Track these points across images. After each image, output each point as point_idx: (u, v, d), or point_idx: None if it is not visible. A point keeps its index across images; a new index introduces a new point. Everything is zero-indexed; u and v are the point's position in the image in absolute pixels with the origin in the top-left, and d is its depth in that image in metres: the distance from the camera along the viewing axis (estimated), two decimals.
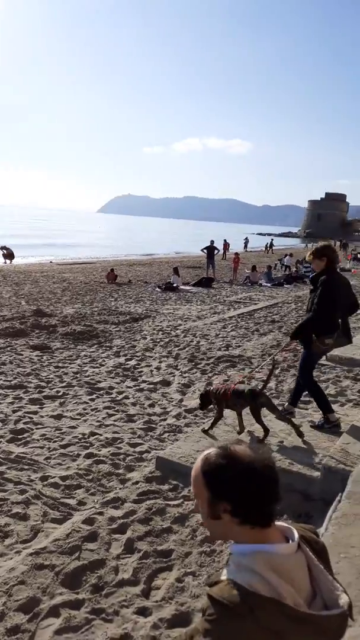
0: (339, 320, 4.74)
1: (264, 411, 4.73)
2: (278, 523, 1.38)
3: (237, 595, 1.21)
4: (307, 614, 1.21)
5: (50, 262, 30.13)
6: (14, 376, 7.10)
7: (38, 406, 6.00)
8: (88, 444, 5.00)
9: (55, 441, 5.04)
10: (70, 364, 7.95)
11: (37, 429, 5.33)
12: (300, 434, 4.69)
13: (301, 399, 5.55)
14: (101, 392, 6.62)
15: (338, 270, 4.92)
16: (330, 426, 4.96)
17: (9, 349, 8.66)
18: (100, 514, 3.70)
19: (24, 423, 5.44)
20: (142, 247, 51.88)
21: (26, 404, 6.06)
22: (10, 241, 33.92)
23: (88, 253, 40.38)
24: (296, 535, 1.34)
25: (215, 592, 1.25)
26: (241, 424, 4.92)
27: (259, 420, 4.66)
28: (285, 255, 31.27)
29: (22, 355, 8.31)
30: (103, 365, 7.90)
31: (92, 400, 6.31)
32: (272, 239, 56.77)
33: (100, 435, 5.23)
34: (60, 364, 7.88)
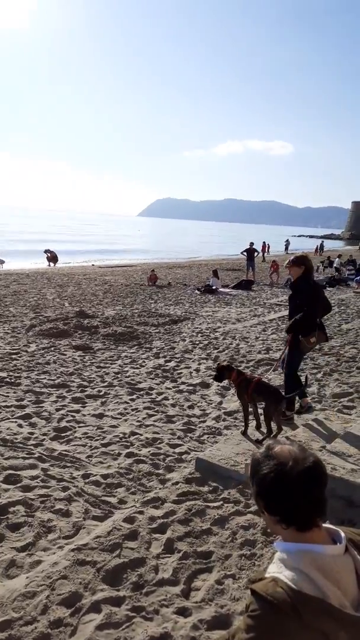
0: (317, 320, 5.36)
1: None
2: (326, 525, 1.35)
3: (282, 592, 1.20)
4: (353, 616, 1.18)
5: (92, 264, 30.70)
6: (58, 375, 7.27)
7: (80, 405, 6.12)
8: (128, 444, 5.05)
9: (96, 440, 5.12)
10: (111, 364, 8.06)
11: (79, 427, 5.43)
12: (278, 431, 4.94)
13: (345, 404, 5.46)
14: (141, 392, 6.68)
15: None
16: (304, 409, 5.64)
17: (52, 349, 8.87)
18: (141, 513, 3.73)
19: (67, 421, 5.56)
20: (182, 250, 52.11)
21: (69, 402, 6.19)
22: (53, 245, 34.83)
23: (128, 256, 40.91)
24: (344, 537, 1.31)
25: (259, 588, 1.24)
26: (258, 419, 5.10)
27: (269, 419, 4.85)
28: (335, 257, 30.63)
29: (65, 355, 8.50)
30: (143, 366, 7.97)
31: (133, 400, 6.37)
32: (322, 242, 55.74)
33: (141, 435, 5.27)
34: (101, 364, 8.00)
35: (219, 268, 23.62)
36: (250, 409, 5.14)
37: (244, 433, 5.01)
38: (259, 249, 30.60)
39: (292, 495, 1.28)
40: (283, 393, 5.11)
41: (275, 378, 7.10)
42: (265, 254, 36.47)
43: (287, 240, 52.57)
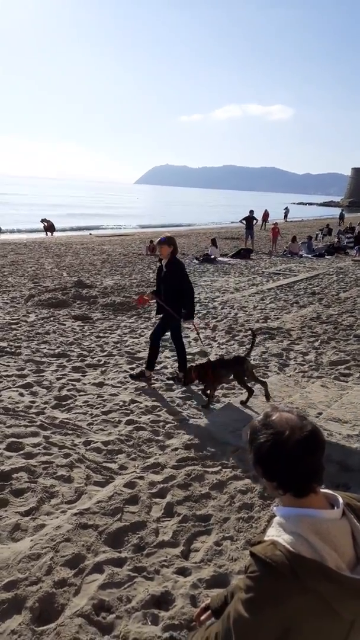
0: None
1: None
2: (323, 490, 1.39)
3: (281, 555, 1.24)
4: (349, 578, 1.23)
5: (90, 234, 30.42)
6: (58, 345, 7.31)
7: (80, 374, 6.17)
8: (128, 411, 5.12)
9: (97, 408, 5.19)
10: (110, 334, 8.09)
11: (79, 395, 5.49)
12: (267, 396, 5.29)
13: (342, 371, 5.52)
14: (141, 361, 6.72)
15: None
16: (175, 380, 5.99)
17: (52, 319, 8.89)
18: (141, 478, 3.82)
19: (68, 390, 5.62)
20: (180, 218, 51.54)
21: (69, 372, 6.25)
22: (50, 214, 34.38)
23: (126, 224, 40.48)
24: (341, 502, 1.35)
25: (258, 551, 1.29)
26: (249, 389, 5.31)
27: (244, 383, 5.24)
28: (343, 225, 30.20)
29: (64, 325, 8.53)
30: (142, 336, 8.00)
31: (132, 369, 6.43)
32: (342, 211, 54.14)
33: (140, 403, 5.34)
34: (101, 334, 8.04)
35: (217, 237, 23.41)
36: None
37: (207, 407, 5.26)
38: (260, 216, 30.26)
39: (289, 463, 1.31)
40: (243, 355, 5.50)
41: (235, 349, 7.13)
42: (267, 222, 36.05)
43: (287, 208, 51.93)
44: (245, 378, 5.27)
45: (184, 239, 27.49)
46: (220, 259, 18.69)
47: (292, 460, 1.31)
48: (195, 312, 9.71)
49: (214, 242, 19.23)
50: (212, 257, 18.26)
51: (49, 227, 28.95)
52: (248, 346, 6.47)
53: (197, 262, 17.85)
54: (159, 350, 6.14)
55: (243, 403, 5.22)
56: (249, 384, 5.31)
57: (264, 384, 5.38)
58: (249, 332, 6.04)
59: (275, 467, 1.34)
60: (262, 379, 5.58)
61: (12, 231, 29.71)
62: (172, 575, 2.84)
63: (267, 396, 5.29)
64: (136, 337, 7.92)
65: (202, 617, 1.80)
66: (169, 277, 5.72)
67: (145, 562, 2.93)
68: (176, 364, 6.66)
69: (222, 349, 7.44)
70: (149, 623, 2.49)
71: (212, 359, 5.49)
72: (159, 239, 5.82)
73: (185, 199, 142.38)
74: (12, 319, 8.71)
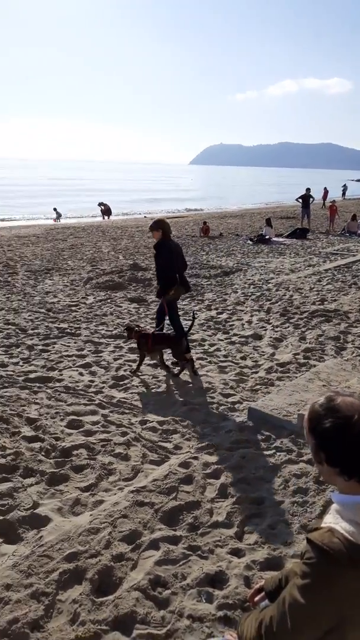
0: (177, 275, 5.86)
1: None
2: None
3: (338, 543, 1.23)
4: None
5: (145, 216, 30.61)
6: (114, 327, 7.49)
7: (136, 355, 6.29)
8: (183, 392, 5.18)
9: (152, 388, 5.29)
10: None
11: (135, 376, 5.61)
12: (175, 374, 5.68)
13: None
14: (194, 343, 6.76)
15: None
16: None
17: (109, 301, 9.10)
18: (195, 458, 3.88)
19: (124, 370, 5.76)
20: (234, 199, 50.81)
21: (126, 352, 6.39)
22: (106, 197, 34.89)
23: (180, 206, 40.41)
24: None
25: (315, 537, 1.28)
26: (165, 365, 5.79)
27: (180, 358, 5.65)
28: None
29: (121, 307, 8.70)
30: (195, 318, 8.02)
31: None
32: None
33: (195, 384, 5.39)
34: (155, 316, 8.12)
35: (272, 216, 22.91)
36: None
37: (134, 372, 5.70)
38: (318, 195, 29.25)
39: (357, 448, 1.29)
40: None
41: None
42: (326, 200, 34.77)
43: (345, 185, 49.80)
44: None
45: (237, 219, 27.11)
46: (275, 239, 18.31)
47: (356, 443, 1.29)
48: (238, 293, 9.63)
49: (268, 222, 18.83)
50: (267, 237, 17.91)
51: (106, 211, 29.40)
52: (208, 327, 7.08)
53: (251, 242, 17.58)
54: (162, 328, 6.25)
55: (175, 375, 5.64)
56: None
57: (191, 362, 5.72)
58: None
59: (342, 453, 1.32)
60: (188, 355, 5.76)
61: (70, 217, 30.42)
62: (226, 555, 2.88)
63: (195, 372, 5.68)
64: (189, 320, 7.95)
65: (256, 599, 1.82)
66: (156, 257, 5.87)
67: (199, 541, 2.99)
68: (230, 347, 6.65)
69: (277, 331, 7.33)
70: (204, 601, 2.55)
71: (156, 332, 5.74)
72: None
73: (239, 178, 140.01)
74: (72, 301, 8.99)
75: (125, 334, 6.08)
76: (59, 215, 28.56)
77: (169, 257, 5.76)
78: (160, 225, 5.91)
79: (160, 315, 6.22)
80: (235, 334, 7.23)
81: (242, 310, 8.53)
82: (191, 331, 6.73)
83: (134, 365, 5.91)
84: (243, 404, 4.94)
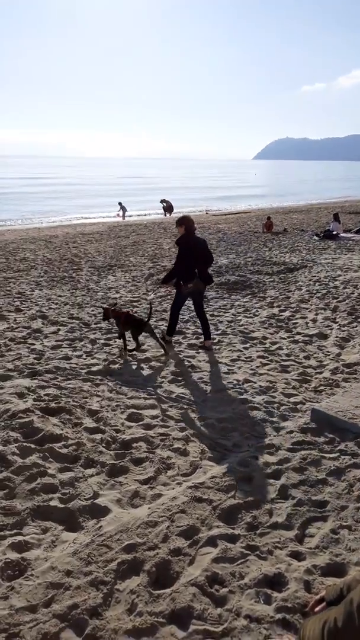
0: (196, 270, 6.25)
1: None
2: None
3: None
4: None
5: (206, 212, 30.59)
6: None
7: (195, 351, 6.30)
8: (242, 390, 5.11)
9: (211, 385, 5.26)
10: (224, 313, 8.12)
11: (194, 372, 5.61)
12: (166, 352, 6.21)
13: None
14: (255, 341, 6.66)
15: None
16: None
17: (169, 297, 9.15)
18: (255, 458, 3.80)
19: (183, 366, 5.77)
20: (299, 193, 49.59)
21: (184, 348, 6.40)
22: (167, 194, 35.18)
23: (243, 202, 40.00)
24: None
25: None
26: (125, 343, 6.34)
27: (136, 338, 6.23)
28: None
29: None
30: (256, 316, 7.90)
31: (246, 349, 6.39)
32: None
33: (254, 383, 5.30)
34: (215, 313, 8.09)
35: (340, 211, 22.13)
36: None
37: (122, 352, 6.26)
38: None
39: None
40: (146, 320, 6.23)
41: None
42: None
43: None
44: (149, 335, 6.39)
45: (302, 214, 26.44)
46: (343, 235, 17.68)
47: None
48: (302, 290, 9.35)
49: (336, 217, 18.21)
50: (334, 233, 17.32)
51: (168, 208, 29.64)
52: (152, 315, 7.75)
53: (317, 238, 17.08)
54: (178, 315, 6.68)
55: (130, 351, 6.27)
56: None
57: (163, 345, 6.28)
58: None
59: None
60: (161, 339, 6.41)
61: (130, 216, 30.94)
62: (286, 557, 2.80)
63: (165, 352, 6.20)
64: (250, 317, 7.85)
65: (317, 609, 1.75)
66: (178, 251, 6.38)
67: (258, 542, 2.93)
68: (292, 345, 6.49)
69: (344, 331, 7.06)
70: (262, 602, 2.49)
71: (130, 312, 6.38)
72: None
73: (305, 173, 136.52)
74: (134, 297, 9.13)
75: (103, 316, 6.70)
76: (124, 210, 29.09)
77: (183, 253, 6.21)
78: (183, 222, 6.29)
79: (202, 318, 6.58)
80: (298, 333, 7.05)
81: (307, 308, 8.29)
82: (256, 330, 6.60)
83: (193, 362, 5.91)
84: (306, 404, 4.80)
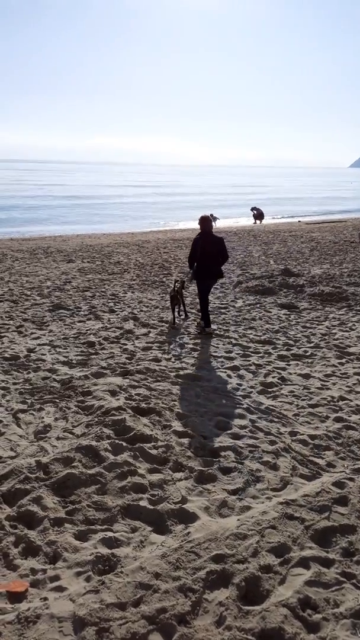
0: (208, 265, 7.27)
1: None
2: None
3: None
4: None
5: (299, 221, 29.91)
6: (263, 332, 7.38)
7: (286, 363, 6.12)
8: (337, 408, 4.87)
9: (303, 399, 5.07)
10: (317, 325, 7.83)
11: (285, 385, 5.44)
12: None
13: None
14: (351, 357, 6.34)
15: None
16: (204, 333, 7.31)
17: (258, 305, 9.02)
18: (351, 480, 3.59)
19: (273, 377, 5.62)
20: None
21: (275, 359, 6.24)
22: (258, 201, 34.83)
23: (338, 211, 38.61)
24: None
25: None
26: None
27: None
28: None
29: (270, 312, 8.56)
30: (353, 330, 7.53)
31: (342, 364, 6.10)
32: None
33: (351, 401, 5.03)
34: (307, 324, 7.83)
35: None
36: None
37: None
38: None
39: None
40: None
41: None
42: None
43: None
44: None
45: None
46: None
47: None
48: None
49: None
50: None
51: (258, 215, 29.37)
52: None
53: None
54: (207, 306, 7.44)
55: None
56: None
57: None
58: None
59: None
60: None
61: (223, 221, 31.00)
62: None
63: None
64: (346, 331, 7.49)
65: None
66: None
67: (355, 569, 2.75)
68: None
69: None
70: (358, 635, 2.33)
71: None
72: None
73: None
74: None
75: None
76: (214, 219, 29.26)
77: (193, 248, 7.35)
78: (199, 222, 7.50)
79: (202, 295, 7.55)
80: None
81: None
82: (353, 345, 6.27)
83: (284, 374, 5.74)
84: None
